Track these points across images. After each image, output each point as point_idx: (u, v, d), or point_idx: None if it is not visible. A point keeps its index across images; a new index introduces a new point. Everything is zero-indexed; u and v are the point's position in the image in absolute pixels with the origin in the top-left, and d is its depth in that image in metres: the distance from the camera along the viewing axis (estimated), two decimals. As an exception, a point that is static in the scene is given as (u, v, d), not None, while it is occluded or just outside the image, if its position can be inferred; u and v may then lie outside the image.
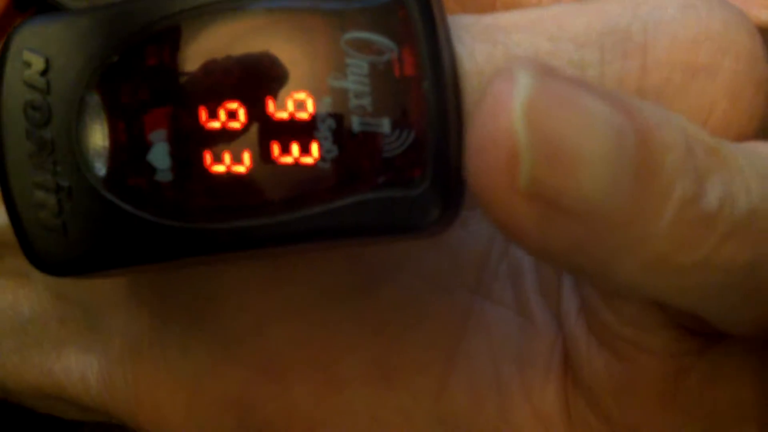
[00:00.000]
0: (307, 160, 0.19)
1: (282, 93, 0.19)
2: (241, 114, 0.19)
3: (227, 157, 0.19)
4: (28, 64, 0.19)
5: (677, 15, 0.19)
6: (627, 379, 0.22)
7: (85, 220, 0.19)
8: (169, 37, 0.19)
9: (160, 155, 0.19)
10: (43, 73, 0.19)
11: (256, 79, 0.19)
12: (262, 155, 0.19)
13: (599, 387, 0.22)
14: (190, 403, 0.24)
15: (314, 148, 0.19)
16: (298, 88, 0.19)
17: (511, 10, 0.20)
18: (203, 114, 0.19)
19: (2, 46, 0.20)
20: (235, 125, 0.19)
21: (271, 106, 0.19)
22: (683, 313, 0.20)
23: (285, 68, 0.19)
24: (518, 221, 0.16)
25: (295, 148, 0.19)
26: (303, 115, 0.19)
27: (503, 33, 0.19)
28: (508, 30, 0.19)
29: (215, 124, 0.19)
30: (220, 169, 0.19)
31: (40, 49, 0.19)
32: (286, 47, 0.19)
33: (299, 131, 0.19)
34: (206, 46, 0.19)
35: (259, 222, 0.19)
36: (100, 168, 0.19)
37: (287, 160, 0.19)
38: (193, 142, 0.19)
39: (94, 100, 0.19)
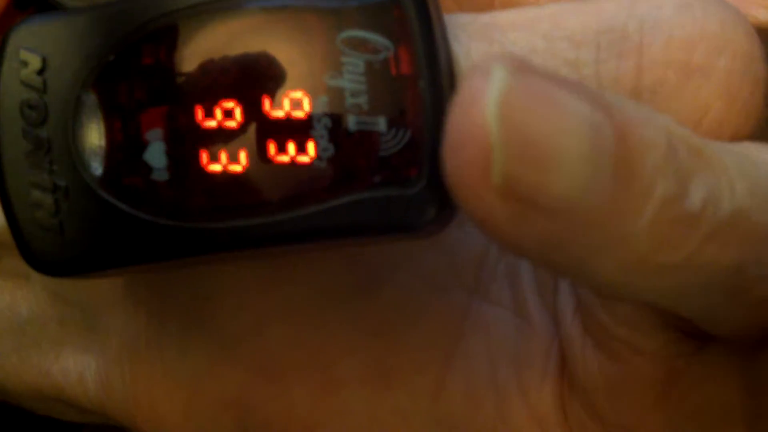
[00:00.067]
0: (304, 159, 0.19)
1: (278, 92, 0.19)
2: (238, 113, 0.19)
3: (224, 157, 0.19)
4: (24, 63, 0.20)
5: (673, 14, 0.19)
6: (621, 380, 0.22)
7: (82, 220, 0.19)
8: (166, 36, 0.19)
9: (156, 154, 0.19)
10: (40, 72, 0.19)
11: (253, 77, 0.19)
12: (259, 154, 0.19)
13: (593, 388, 0.22)
14: (188, 403, 0.24)
15: (310, 147, 0.19)
16: (295, 87, 0.19)
17: (508, 9, 0.20)
18: (199, 113, 0.19)
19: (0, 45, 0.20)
20: (231, 124, 0.19)
21: (267, 105, 0.19)
22: (676, 315, 0.20)
23: (281, 67, 0.19)
24: (492, 217, 0.16)
25: (291, 147, 0.19)
26: (299, 114, 0.19)
27: (499, 32, 0.19)
28: (504, 29, 0.19)
29: (211, 123, 0.19)
30: (216, 168, 0.19)
31: (36, 48, 0.19)
32: (282, 46, 0.19)
33: (295, 130, 0.19)
34: (202, 45, 0.19)
35: (256, 221, 0.19)
36: (97, 167, 0.19)
37: (284, 159, 0.19)
38: (189, 141, 0.19)
39: (91, 99, 0.19)
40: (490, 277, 0.24)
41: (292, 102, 0.19)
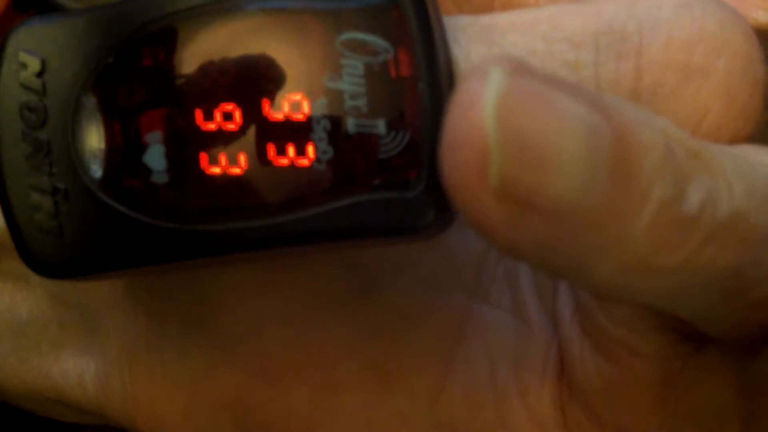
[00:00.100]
0: (303, 161, 0.19)
1: (277, 94, 0.19)
2: (237, 115, 0.19)
3: (223, 159, 0.19)
4: (24, 66, 0.19)
5: (672, 16, 0.19)
6: (618, 381, 0.22)
7: (82, 222, 0.19)
8: (165, 38, 0.19)
9: (156, 157, 0.19)
10: (39, 74, 0.19)
11: (252, 80, 0.19)
12: (258, 156, 0.19)
13: (591, 389, 0.22)
14: (187, 405, 0.24)
15: (310, 149, 0.19)
16: (294, 90, 0.19)
17: (507, 11, 0.20)
18: (199, 115, 0.19)
19: (-1, 48, 0.20)
20: (230, 127, 0.19)
21: (266, 107, 0.19)
22: (675, 317, 0.20)
23: (280, 69, 0.19)
24: (489, 219, 0.16)
25: (290, 150, 0.19)
26: (298, 117, 0.19)
27: (499, 34, 0.19)
28: (503, 31, 0.19)
29: (211, 126, 0.19)
30: (216, 170, 0.19)
31: (36, 50, 0.19)
32: (281, 48, 0.19)
33: (295, 132, 0.19)
34: (202, 47, 0.19)
35: (255, 224, 0.19)
36: (96, 170, 0.19)
37: (283, 161, 0.19)
38: (188, 143, 0.19)
39: (90, 101, 0.19)
40: (489, 279, 0.24)
41: (292, 104, 0.19)
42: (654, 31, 0.19)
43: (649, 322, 0.21)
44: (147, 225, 0.19)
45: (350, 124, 0.18)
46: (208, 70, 0.19)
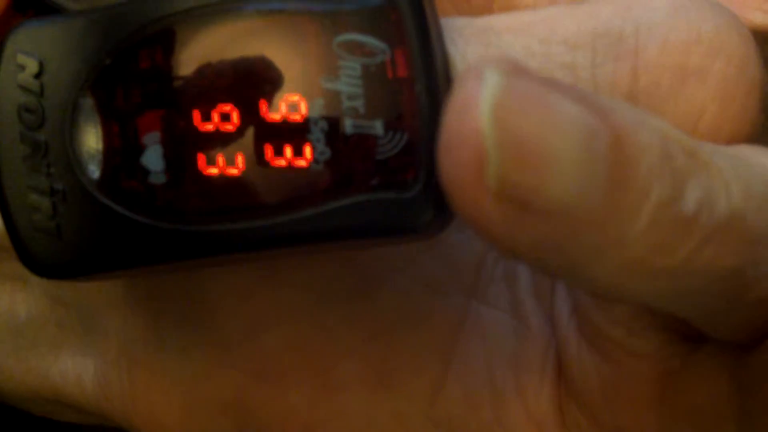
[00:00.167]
0: (300, 162, 0.19)
1: (275, 95, 0.19)
2: (235, 116, 0.19)
3: (221, 160, 0.19)
4: (22, 67, 0.20)
5: (668, 18, 0.19)
6: (616, 381, 0.22)
7: (80, 223, 0.20)
8: (163, 39, 0.19)
9: (153, 158, 0.19)
10: (37, 75, 0.20)
11: (249, 81, 0.19)
12: (256, 157, 0.19)
13: (589, 389, 0.22)
14: (186, 405, 0.24)
15: (307, 150, 0.19)
16: (291, 91, 0.19)
17: (505, 12, 0.20)
18: (196, 116, 0.19)
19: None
20: (228, 128, 0.19)
21: (264, 108, 0.19)
22: (672, 317, 0.20)
23: (278, 70, 0.19)
24: (487, 220, 0.16)
25: (288, 151, 0.19)
26: (296, 118, 0.19)
27: (496, 35, 0.19)
28: (500, 32, 0.19)
29: (208, 127, 0.19)
30: (213, 171, 0.19)
31: (34, 52, 0.20)
32: (278, 49, 0.19)
33: (292, 133, 0.19)
34: (199, 49, 0.19)
35: (253, 224, 0.19)
36: (94, 170, 0.19)
37: (280, 162, 0.19)
38: (186, 144, 0.19)
39: (88, 102, 0.19)
40: (488, 279, 0.24)
41: (289, 105, 0.19)
42: (650, 33, 0.19)
43: (647, 322, 0.21)
44: (145, 225, 0.19)
45: (347, 125, 0.19)
46: (205, 71, 0.19)
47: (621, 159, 0.16)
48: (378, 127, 0.18)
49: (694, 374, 0.21)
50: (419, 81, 0.18)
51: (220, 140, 0.19)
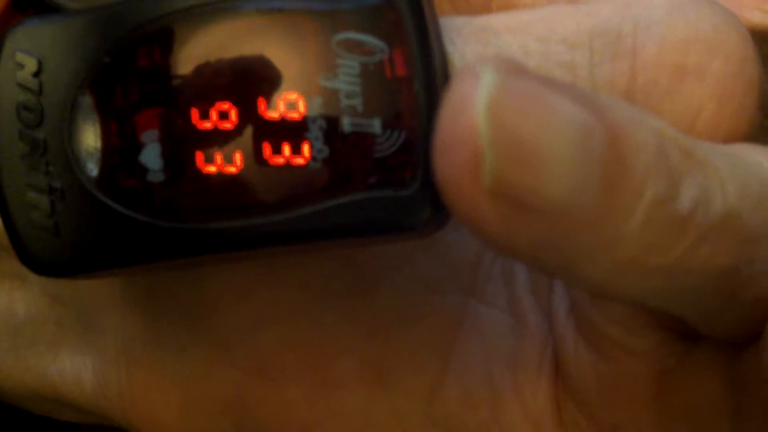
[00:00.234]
0: (299, 160, 0.19)
1: (273, 93, 0.19)
2: (233, 115, 0.19)
3: (219, 158, 0.19)
4: (20, 66, 0.20)
5: (666, 17, 0.19)
6: (613, 379, 0.22)
7: (78, 221, 0.20)
8: (161, 38, 0.19)
9: (152, 156, 0.19)
10: (36, 74, 0.20)
11: (248, 79, 0.19)
12: (254, 156, 0.19)
13: (586, 387, 0.22)
14: (184, 403, 0.24)
15: (305, 148, 0.19)
16: (290, 89, 0.19)
17: (503, 11, 0.20)
18: (195, 115, 0.19)
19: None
20: (226, 126, 0.19)
21: (262, 106, 0.19)
22: (669, 315, 0.20)
23: (276, 69, 0.19)
24: (483, 219, 0.16)
25: (286, 149, 0.19)
26: (294, 116, 0.19)
27: (494, 34, 0.19)
28: (498, 31, 0.19)
29: (207, 125, 0.19)
30: (211, 169, 0.19)
31: (32, 50, 0.20)
32: (277, 48, 0.19)
33: (290, 132, 0.19)
34: (198, 47, 0.19)
35: (251, 222, 0.19)
36: (93, 169, 0.19)
37: (279, 160, 0.19)
38: (184, 142, 0.19)
39: (87, 101, 0.19)
40: (485, 278, 0.24)
41: (287, 104, 0.19)
42: (649, 32, 0.19)
43: (644, 320, 0.21)
44: (143, 224, 0.19)
45: (346, 124, 0.19)
46: (204, 69, 0.19)
47: (617, 158, 0.16)
48: (376, 125, 0.19)
49: (689, 372, 0.21)
50: (417, 80, 0.18)
51: (219, 138, 0.19)
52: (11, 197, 0.20)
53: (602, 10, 0.20)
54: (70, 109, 0.19)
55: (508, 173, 0.16)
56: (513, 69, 0.16)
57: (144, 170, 0.19)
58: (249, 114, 0.19)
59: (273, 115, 0.19)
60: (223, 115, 0.19)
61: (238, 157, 0.19)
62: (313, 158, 0.19)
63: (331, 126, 0.19)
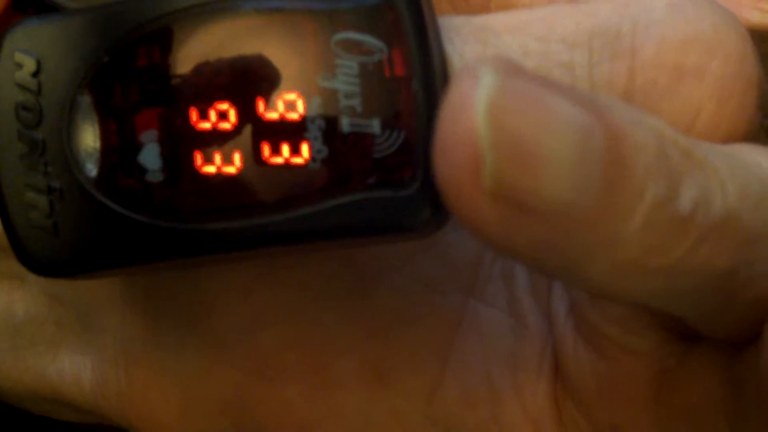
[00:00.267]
0: (298, 160, 0.19)
1: (272, 94, 0.19)
2: (232, 115, 0.19)
3: (218, 158, 0.19)
4: (19, 66, 0.20)
5: (666, 17, 0.19)
6: (612, 379, 0.22)
7: (77, 221, 0.20)
8: (160, 38, 0.19)
9: (151, 156, 0.19)
10: (35, 74, 0.20)
11: (247, 79, 0.19)
12: (253, 156, 0.19)
13: (585, 387, 0.22)
14: (184, 403, 0.24)
15: (304, 148, 0.19)
16: (289, 89, 0.19)
17: (503, 11, 0.20)
18: (194, 115, 0.19)
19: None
20: (225, 126, 0.19)
21: (261, 106, 0.19)
22: (669, 316, 0.20)
23: (275, 69, 0.19)
24: (483, 220, 0.16)
25: (285, 149, 0.19)
26: (293, 116, 0.19)
27: (493, 34, 0.19)
28: (498, 31, 0.19)
29: (206, 125, 0.19)
30: (210, 169, 0.19)
31: (31, 50, 0.20)
32: (276, 48, 0.19)
33: (289, 132, 0.19)
34: (197, 47, 0.19)
35: (250, 223, 0.19)
36: (92, 169, 0.19)
37: (278, 160, 0.19)
38: (183, 142, 0.19)
39: (85, 101, 0.19)
40: (485, 278, 0.24)
41: (286, 104, 0.19)
42: (648, 31, 0.19)
43: (643, 320, 0.21)
44: (142, 224, 0.19)
45: (345, 124, 0.19)
46: (203, 69, 0.19)
47: (616, 159, 0.16)
48: (375, 125, 0.18)
49: (688, 372, 0.21)
50: (416, 80, 0.18)
51: (218, 138, 0.19)
52: (10, 197, 0.20)
53: (601, 9, 0.20)
54: (69, 109, 0.19)
55: (508, 175, 0.16)
56: (512, 70, 0.16)
57: (143, 170, 0.19)
58: (248, 114, 0.19)
59: (272, 115, 0.19)
60: (222, 115, 0.19)
61: (237, 157, 0.19)
62: (312, 158, 0.19)
63: (330, 126, 0.19)
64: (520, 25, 0.20)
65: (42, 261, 0.20)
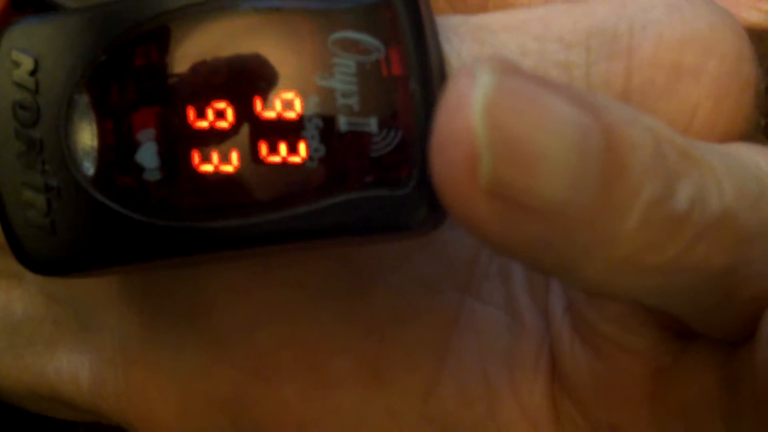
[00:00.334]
0: (295, 159, 0.19)
1: (270, 92, 0.19)
2: (229, 113, 0.19)
3: (215, 157, 0.19)
4: (17, 64, 0.20)
5: (663, 16, 0.19)
6: (609, 378, 0.22)
7: (74, 220, 0.20)
8: (158, 36, 0.19)
9: (148, 155, 0.19)
10: (32, 73, 0.20)
11: (244, 78, 0.19)
12: (251, 154, 0.19)
13: (582, 385, 0.22)
14: (182, 402, 0.24)
15: (302, 147, 0.19)
16: (286, 88, 0.19)
17: (500, 10, 0.20)
18: (191, 113, 0.19)
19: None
20: (223, 125, 0.19)
21: (258, 105, 0.19)
22: (665, 314, 0.20)
23: (273, 68, 0.19)
24: (480, 219, 0.16)
25: (282, 148, 0.19)
26: (290, 115, 0.19)
27: (490, 33, 0.19)
28: (495, 30, 0.19)
29: (203, 124, 0.19)
30: (208, 168, 0.19)
31: (29, 49, 0.20)
32: (273, 47, 0.19)
33: (287, 131, 0.19)
34: (194, 46, 0.19)
35: (247, 221, 0.19)
36: (89, 167, 0.19)
37: (275, 159, 0.19)
38: (181, 141, 0.19)
39: (83, 99, 0.19)
40: (482, 276, 0.24)
41: (284, 103, 0.19)
42: (645, 31, 0.19)
43: (640, 319, 0.21)
44: (139, 222, 0.19)
45: (342, 123, 0.19)
46: (200, 68, 0.19)
47: (613, 158, 0.16)
48: (372, 124, 0.19)
49: (685, 370, 0.21)
50: (414, 79, 0.18)
51: (215, 137, 0.19)
52: (7, 196, 0.20)
53: (599, 9, 0.20)
54: (66, 108, 0.19)
55: (504, 173, 0.16)
56: (509, 69, 0.16)
57: (140, 169, 0.19)
58: (245, 113, 0.19)
59: (269, 114, 0.19)
60: (220, 114, 0.19)
61: (234, 156, 0.19)
62: (310, 157, 0.19)
63: (328, 125, 0.19)
64: (518, 24, 0.20)
65: (40, 259, 0.20)
